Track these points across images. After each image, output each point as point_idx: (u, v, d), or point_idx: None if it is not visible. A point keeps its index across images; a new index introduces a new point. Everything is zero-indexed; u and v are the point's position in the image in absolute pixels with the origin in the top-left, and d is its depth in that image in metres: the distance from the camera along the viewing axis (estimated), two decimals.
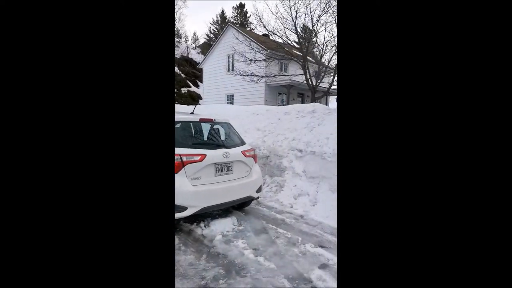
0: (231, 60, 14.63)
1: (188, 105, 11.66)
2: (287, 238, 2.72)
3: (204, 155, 2.71)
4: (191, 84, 20.88)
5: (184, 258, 2.30)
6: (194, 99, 18.78)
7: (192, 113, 3.41)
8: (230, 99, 14.78)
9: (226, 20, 27.97)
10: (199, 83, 20.62)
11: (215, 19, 30.77)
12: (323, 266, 2.22)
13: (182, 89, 19.44)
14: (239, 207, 3.36)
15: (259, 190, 3.29)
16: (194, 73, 21.99)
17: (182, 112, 3.54)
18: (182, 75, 21.13)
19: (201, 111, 5.88)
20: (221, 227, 2.85)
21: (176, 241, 2.59)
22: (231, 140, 3.30)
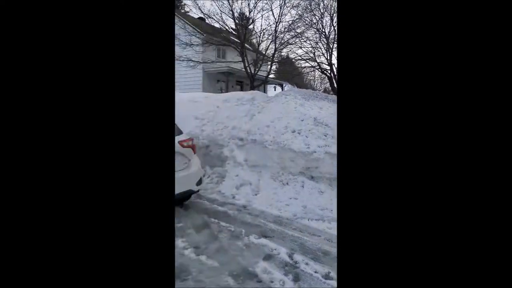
0: None
1: None
2: (230, 231, 2.61)
3: None
4: None
5: None
6: None
7: None
8: None
9: None
10: None
11: None
12: (268, 257, 2.17)
13: None
14: (178, 202, 3.10)
15: (199, 182, 3.09)
16: None
17: None
18: None
19: None
20: None
21: None
22: None
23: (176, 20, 11.05)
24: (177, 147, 2.81)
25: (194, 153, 3.12)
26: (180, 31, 10.03)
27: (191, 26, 10.90)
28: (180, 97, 6.72)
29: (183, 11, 19.09)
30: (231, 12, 9.30)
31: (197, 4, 9.45)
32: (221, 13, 9.48)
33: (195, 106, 5.87)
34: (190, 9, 13.73)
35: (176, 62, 10.26)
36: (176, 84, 13.12)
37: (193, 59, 9.99)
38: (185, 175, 2.86)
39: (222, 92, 10.61)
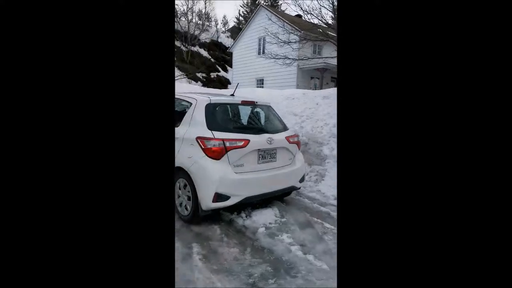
0: (262, 43, 14.17)
1: (218, 90, 11.47)
2: (336, 234, 2.47)
3: (248, 141, 2.49)
4: (220, 69, 20.72)
5: (228, 250, 2.14)
6: (223, 83, 18.65)
7: (233, 95, 3.18)
8: (260, 83, 14.43)
9: (257, 2, 27.12)
10: (228, 68, 20.40)
11: (245, 2, 29.95)
12: None
13: (211, 73, 19.36)
14: (280, 197, 3.14)
15: (302, 179, 3.05)
16: (224, 57, 21.72)
17: (221, 94, 3.33)
18: (212, 59, 21.00)
19: (237, 94, 5.64)
20: (263, 218, 2.65)
21: (218, 231, 2.44)
22: (273, 124, 3.05)
23: (274, 20, 11.35)
24: (284, 142, 2.82)
25: (299, 150, 3.09)
26: (279, 30, 10.22)
27: (289, 24, 10.98)
28: (278, 94, 6.85)
29: (279, 10, 19.50)
30: (331, 6, 8.94)
31: (297, 1, 9.41)
32: (320, 8, 9.22)
33: (293, 103, 5.88)
34: (287, 7, 13.85)
35: (272, 60, 10.56)
36: (272, 81, 13.54)
37: (289, 56, 10.07)
38: (290, 171, 2.86)
39: (316, 89, 10.36)
